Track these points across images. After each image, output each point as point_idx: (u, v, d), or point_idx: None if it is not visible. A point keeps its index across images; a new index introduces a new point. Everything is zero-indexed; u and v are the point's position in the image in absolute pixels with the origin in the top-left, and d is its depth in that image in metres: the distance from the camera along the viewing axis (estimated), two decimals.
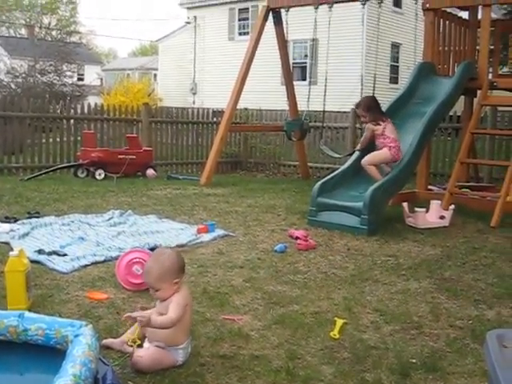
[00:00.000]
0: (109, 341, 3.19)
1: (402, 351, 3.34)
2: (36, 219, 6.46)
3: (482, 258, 5.47)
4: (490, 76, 9.25)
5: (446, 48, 8.88)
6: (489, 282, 4.75)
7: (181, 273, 3.15)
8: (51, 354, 2.89)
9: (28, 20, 52.55)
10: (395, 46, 24.78)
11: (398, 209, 7.25)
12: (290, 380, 2.97)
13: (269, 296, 4.24)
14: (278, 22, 10.93)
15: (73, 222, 6.45)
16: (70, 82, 27.68)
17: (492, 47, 9.57)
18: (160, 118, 13.57)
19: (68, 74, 28.14)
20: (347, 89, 20.15)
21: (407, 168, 7.02)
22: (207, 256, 5.32)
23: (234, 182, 10.98)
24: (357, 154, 7.46)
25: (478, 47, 8.91)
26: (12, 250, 4.52)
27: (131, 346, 2.98)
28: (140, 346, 3.06)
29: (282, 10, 10.76)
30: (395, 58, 25.20)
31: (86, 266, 4.88)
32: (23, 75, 25.32)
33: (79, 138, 11.98)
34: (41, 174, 10.71)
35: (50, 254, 5.08)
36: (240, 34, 27.24)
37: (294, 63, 20.88)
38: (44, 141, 11.95)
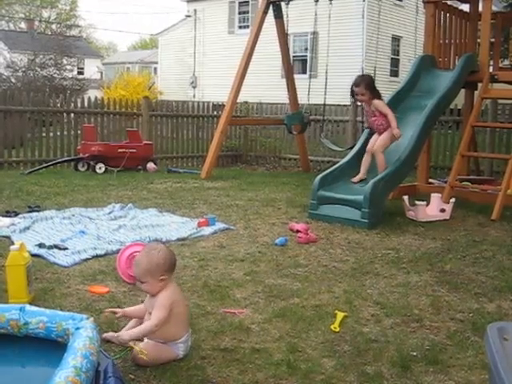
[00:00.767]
0: (109, 334, 3.20)
1: (403, 344, 3.35)
2: (37, 213, 6.46)
3: (482, 251, 5.47)
4: (491, 69, 9.22)
5: (447, 41, 8.86)
6: (489, 275, 4.76)
7: (169, 271, 3.14)
8: (52, 346, 2.90)
9: (28, 14, 52.51)
10: (396, 39, 24.74)
11: (398, 202, 7.25)
12: (291, 373, 2.97)
13: (269, 289, 4.24)
14: (279, 15, 10.90)
15: (73, 215, 6.45)
16: (70, 76, 27.62)
17: (493, 40, 9.54)
18: (160, 112, 13.55)
19: (68, 67, 28.08)
20: (348, 82, 20.10)
21: (408, 161, 7.01)
22: (208, 249, 5.32)
23: (234, 175, 10.98)
24: (357, 147, 7.46)
25: (478, 40, 8.88)
26: (13, 243, 4.54)
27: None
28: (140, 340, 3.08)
29: (282, 3, 10.73)
30: (396, 51, 25.16)
31: (87, 259, 4.88)
32: (23, 69, 25.28)
33: (79, 132, 11.98)
34: (41, 168, 10.71)
35: (50, 247, 5.09)
36: (240, 27, 27.20)
37: (294, 56, 20.87)
38: (44, 135, 11.94)
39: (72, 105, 12.41)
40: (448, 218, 6.87)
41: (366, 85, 7.16)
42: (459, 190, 7.77)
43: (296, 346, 3.29)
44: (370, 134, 7.32)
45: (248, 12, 26.80)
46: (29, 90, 15.98)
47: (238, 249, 5.36)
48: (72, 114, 12.31)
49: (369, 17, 20.72)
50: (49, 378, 2.36)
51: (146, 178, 10.05)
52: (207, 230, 5.96)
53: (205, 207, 7.34)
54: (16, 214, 6.36)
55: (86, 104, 12.41)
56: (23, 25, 51.06)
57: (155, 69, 39.63)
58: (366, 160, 7.09)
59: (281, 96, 14.44)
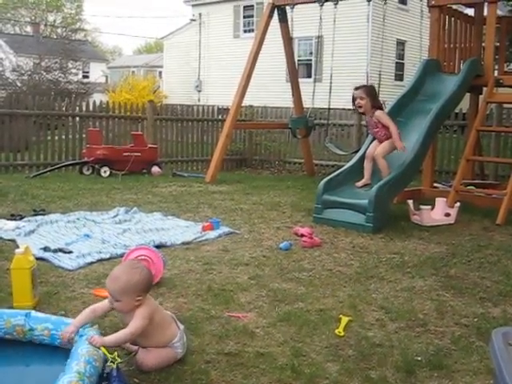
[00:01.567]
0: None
1: (407, 349, 3.34)
2: (42, 216, 6.47)
3: (487, 256, 5.46)
4: (496, 73, 9.21)
5: (452, 45, 8.86)
6: (494, 279, 4.74)
7: (146, 292, 3.01)
8: (57, 351, 2.92)
9: (33, 18, 52.69)
10: (400, 43, 24.75)
11: (403, 206, 7.24)
12: (295, 377, 2.97)
13: (274, 293, 4.24)
14: (283, 19, 10.90)
15: (78, 219, 6.46)
16: (75, 80, 27.71)
17: (498, 44, 9.53)
18: (165, 116, 13.57)
19: (73, 71, 28.19)
20: (352, 86, 20.13)
21: (412, 165, 7.00)
22: (212, 253, 5.32)
23: (239, 179, 10.98)
24: (362, 151, 7.45)
25: (483, 44, 8.88)
26: (18, 247, 4.54)
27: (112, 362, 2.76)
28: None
29: (287, 7, 10.74)
30: (400, 55, 25.17)
31: (92, 263, 4.89)
32: (29, 73, 25.37)
33: (84, 136, 11.99)
34: (46, 172, 10.73)
35: (55, 251, 5.09)
36: (245, 31, 27.25)
37: (299, 60, 20.91)
38: (49, 138, 11.96)
39: (77, 108, 12.42)
40: (453, 222, 6.86)
41: (366, 91, 7.15)
42: (464, 194, 7.76)
43: (300, 350, 3.28)
44: (373, 139, 7.32)
45: (253, 16, 26.84)
46: (34, 93, 16.04)
47: (242, 253, 5.36)
48: (77, 118, 12.32)
49: (374, 21, 20.71)
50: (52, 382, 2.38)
51: (150, 181, 10.06)
52: (212, 234, 5.97)
53: (209, 211, 7.34)
54: (21, 218, 6.38)
55: (91, 108, 12.43)
56: (29, 29, 51.24)
57: (160, 73, 39.71)
58: (367, 165, 7.08)
59: (285, 100, 14.45)
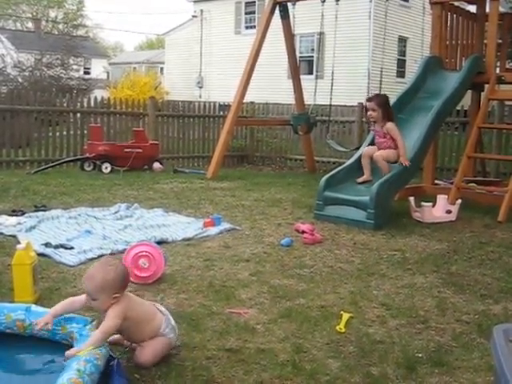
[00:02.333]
0: (116, 336, 3.19)
1: (408, 345, 3.34)
2: (43, 212, 6.48)
3: (488, 253, 5.46)
4: (498, 70, 9.20)
5: (454, 42, 8.84)
6: (495, 276, 4.75)
7: (122, 288, 2.97)
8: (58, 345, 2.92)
9: (35, 13, 52.64)
10: (402, 40, 24.69)
11: (404, 203, 7.24)
12: (296, 373, 2.97)
13: (275, 290, 4.24)
14: (285, 15, 10.89)
15: (79, 215, 6.47)
16: (77, 76, 27.65)
17: (500, 41, 9.51)
18: (166, 112, 13.56)
19: (74, 67, 28.12)
20: (354, 83, 20.15)
21: (414, 162, 6.99)
22: (213, 250, 5.33)
23: (240, 175, 10.98)
24: (363, 148, 7.43)
25: (485, 41, 8.86)
26: (19, 243, 4.54)
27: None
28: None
29: (289, 4, 10.73)
30: (402, 52, 25.11)
31: (93, 259, 4.88)
32: (30, 69, 25.32)
33: (86, 132, 12.00)
34: (47, 168, 10.73)
35: (56, 247, 5.10)
36: (246, 27, 27.19)
37: (300, 57, 20.85)
38: (51, 134, 11.96)
39: (78, 104, 12.43)
40: (454, 219, 6.86)
41: (378, 102, 7.05)
42: (465, 191, 7.75)
43: (301, 346, 3.29)
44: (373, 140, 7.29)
45: (254, 12, 26.79)
46: (35, 89, 16.01)
47: (243, 249, 5.36)
48: (78, 114, 12.33)
49: (375, 17, 20.71)
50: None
51: (152, 177, 10.06)
52: (213, 230, 5.97)
53: (211, 207, 7.35)
54: (22, 213, 6.38)
55: (92, 104, 12.43)
56: (30, 24, 51.16)
57: (161, 69, 39.67)
58: (365, 163, 7.05)
59: (287, 96, 14.44)
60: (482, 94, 8.93)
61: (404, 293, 4.28)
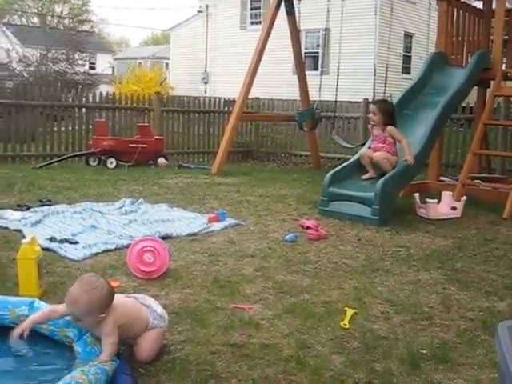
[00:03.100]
0: None
1: (412, 342, 3.34)
2: (48, 207, 6.49)
3: (493, 250, 5.45)
4: (504, 66, 9.17)
5: (460, 38, 8.81)
6: (500, 273, 4.74)
7: (108, 307, 2.83)
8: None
9: (40, 9, 52.67)
10: (408, 36, 24.63)
11: (409, 200, 7.23)
12: (300, 369, 2.97)
13: (279, 285, 4.24)
14: (290, 11, 10.86)
15: (84, 210, 6.47)
16: (82, 71, 27.71)
17: (506, 37, 9.47)
18: (171, 107, 13.57)
19: (80, 62, 28.19)
20: (359, 79, 20.08)
21: (419, 159, 6.97)
22: (218, 245, 5.33)
23: (245, 171, 10.98)
24: (368, 144, 7.42)
25: (491, 37, 8.83)
26: (24, 237, 4.55)
27: None
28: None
29: (295, 0, 10.71)
30: (408, 48, 25.05)
31: (98, 253, 4.90)
32: (35, 64, 25.38)
33: (91, 127, 12.02)
34: (53, 163, 10.76)
35: (61, 241, 5.11)
36: (252, 23, 27.14)
37: (306, 53, 20.85)
38: (56, 129, 11.98)
39: (83, 100, 12.44)
40: (459, 216, 6.85)
41: (380, 107, 7.03)
42: (471, 188, 7.74)
43: (305, 342, 3.29)
44: None
45: (260, 8, 26.73)
46: (41, 84, 16.06)
47: (248, 245, 5.36)
48: (83, 109, 12.34)
49: (381, 13, 20.64)
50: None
51: (156, 173, 10.07)
52: (218, 226, 5.97)
53: (215, 203, 7.35)
54: (27, 208, 6.39)
55: (97, 99, 12.44)
56: (36, 20, 51.25)
57: (167, 64, 39.67)
58: (365, 163, 7.01)
59: (292, 92, 14.43)
60: (488, 90, 8.91)
61: (408, 289, 4.27)
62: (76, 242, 5.13)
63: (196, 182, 9.07)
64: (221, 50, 28.03)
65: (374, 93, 13.34)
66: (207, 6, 29.07)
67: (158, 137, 11.97)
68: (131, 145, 11.12)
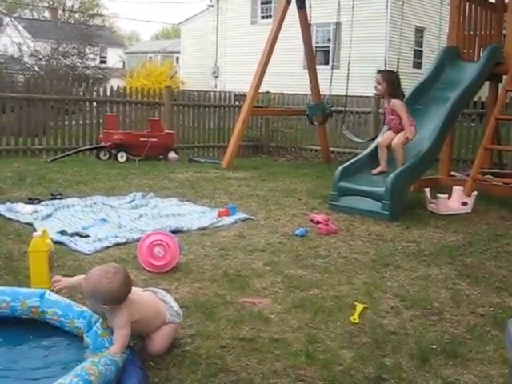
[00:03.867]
0: None
1: (422, 337, 3.34)
2: (59, 201, 6.52)
3: (504, 245, 5.43)
4: None
5: (472, 32, 8.76)
6: (511, 269, 4.72)
7: (114, 303, 2.80)
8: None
9: (51, 3, 52.70)
10: (419, 31, 24.50)
11: (419, 195, 7.21)
12: (310, 363, 2.98)
13: (289, 280, 4.25)
14: (302, 5, 10.83)
15: (95, 203, 6.50)
16: (93, 65, 27.74)
17: None
18: (182, 101, 13.59)
19: (91, 56, 28.21)
20: (370, 73, 19.95)
21: (430, 154, 6.95)
22: (228, 239, 5.34)
23: (255, 165, 10.98)
24: (379, 138, 7.40)
25: (504, 31, 8.77)
26: (35, 230, 4.58)
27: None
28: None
29: None
30: (419, 43, 24.92)
31: (108, 247, 4.92)
32: (46, 58, 25.45)
33: (101, 121, 12.04)
34: (64, 156, 10.79)
35: (72, 235, 5.13)
36: (263, 17, 27.07)
37: (316, 47, 20.75)
38: (67, 123, 12.03)
39: (94, 93, 12.48)
40: (470, 211, 6.82)
41: (384, 76, 7.09)
42: (481, 183, 7.70)
43: (315, 336, 3.29)
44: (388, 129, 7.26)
45: (271, 2, 26.65)
46: (52, 78, 16.07)
47: (258, 239, 5.37)
48: (94, 103, 12.37)
49: (392, 7, 20.53)
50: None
51: (167, 167, 10.09)
52: (228, 220, 5.98)
53: (225, 197, 7.36)
54: (39, 202, 6.42)
55: (108, 93, 12.46)
56: (47, 14, 51.29)
57: (177, 58, 39.60)
58: (381, 153, 7.02)
59: (303, 87, 14.39)
60: (500, 85, 8.85)
61: (418, 284, 4.27)
62: (87, 236, 5.16)
63: (206, 177, 9.08)
64: (231, 44, 27.98)
65: None
66: (218, 0, 29.02)
67: (168, 131, 11.98)
68: (142, 139, 11.13)
